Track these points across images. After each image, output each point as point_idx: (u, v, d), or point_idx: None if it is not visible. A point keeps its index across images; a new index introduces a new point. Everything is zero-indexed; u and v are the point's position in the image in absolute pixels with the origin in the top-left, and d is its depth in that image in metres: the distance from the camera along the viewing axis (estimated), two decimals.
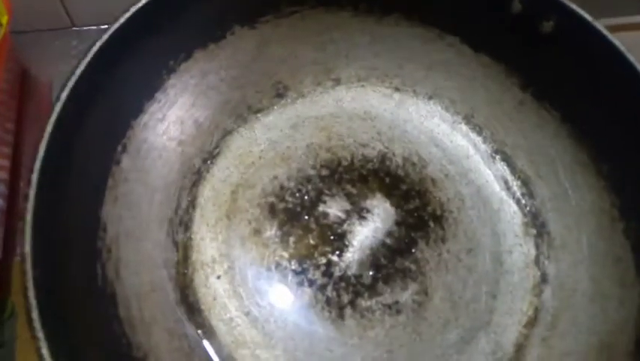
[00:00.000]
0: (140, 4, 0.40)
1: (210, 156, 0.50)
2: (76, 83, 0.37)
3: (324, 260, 0.46)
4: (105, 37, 0.39)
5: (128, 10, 0.40)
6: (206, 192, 0.48)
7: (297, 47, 0.53)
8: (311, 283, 0.45)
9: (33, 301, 0.28)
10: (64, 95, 0.36)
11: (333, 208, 0.49)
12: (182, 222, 0.46)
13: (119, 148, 0.42)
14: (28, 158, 0.74)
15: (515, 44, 0.50)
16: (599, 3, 0.48)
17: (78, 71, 0.37)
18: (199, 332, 0.42)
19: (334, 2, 0.52)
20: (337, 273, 0.46)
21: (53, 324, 0.29)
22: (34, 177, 0.32)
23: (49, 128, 0.34)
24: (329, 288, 0.45)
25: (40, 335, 0.27)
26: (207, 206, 0.48)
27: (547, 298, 0.45)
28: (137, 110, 0.44)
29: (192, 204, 0.47)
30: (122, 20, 0.40)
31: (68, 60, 0.84)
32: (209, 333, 0.42)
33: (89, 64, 0.38)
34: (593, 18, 0.45)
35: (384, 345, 0.44)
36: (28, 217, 0.31)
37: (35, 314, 0.28)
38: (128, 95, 0.43)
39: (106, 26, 1.01)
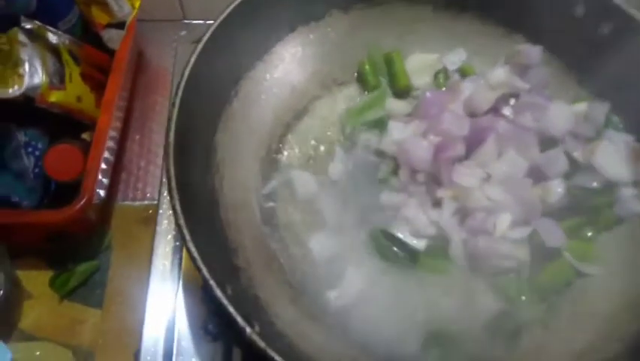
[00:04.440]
0: None
1: (299, 115, 0.59)
2: (211, 36, 0.48)
3: None
4: (233, 5, 0.50)
5: None
6: (292, 142, 0.58)
7: (381, 34, 0.62)
8: None
9: (175, 194, 0.38)
10: (200, 45, 0.47)
11: None
12: (271, 162, 0.56)
13: (232, 92, 0.53)
14: (136, 124, 0.87)
15: (576, 44, 0.57)
16: None
17: (212, 28, 0.48)
18: (276, 246, 0.51)
19: None
20: None
21: (183, 209, 0.39)
22: (177, 101, 0.43)
23: (187, 70, 0.45)
24: None
25: (177, 208, 0.37)
26: (292, 153, 0.57)
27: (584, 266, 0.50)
28: (249, 66, 0.55)
29: (281, 149, 0.57)
30: None
31: (178, 47, 0.98)
32: (285, 249, 0.51)
33: (221, 23, 0.49)
34: None
35: None
36: (171, 135, 0.42)
37: (174, 191, 0.38)
38: (244, 53, 0.54)
39: (212, 21, 1.18)
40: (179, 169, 0.40)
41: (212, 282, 0.34)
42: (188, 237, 0.36)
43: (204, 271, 0.34)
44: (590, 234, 0.51)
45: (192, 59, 0.44)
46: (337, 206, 0.53)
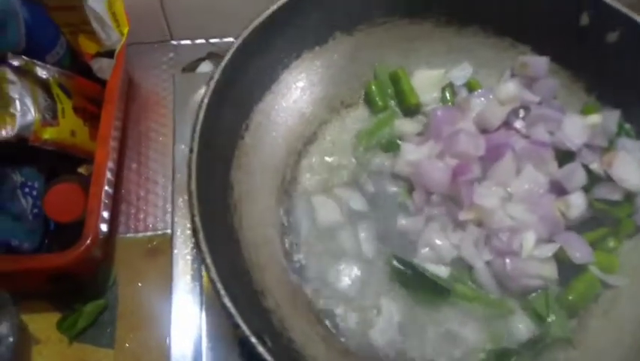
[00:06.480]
0: (268, 12, 0.50)
1: (309, 141, 0.59)
2: (221, 73, 0.46)
3: None
4: (240, 39, 0.49)
5: (258, 16, 0.50)
6: (305, 170, 0.57)
7: (385, 53, 0.62)
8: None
9: (204, 246, 0.37)
10: (212, 85, 0.45)
11: None
12: (286, 193, 0.55)
13: (244, 127, 0.52)
14: (132, 152, 0.85)
15: (582, 53, 0.57)
16: None
17: (221, 65, 0.47)
18: (299, 280, 0.50)
19: (418, 15, 0.61)
20: None
21: (213, 260, 0.38)
22: (195, 147, 0.41)
23: (202, 112, 0.44)
24: None
25: (209, 260, 0.36)
26: (306, 181, 0.56)
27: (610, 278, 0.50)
28: (258, 98, 0.54)
29: (294, 178, 0.56)
30: (253, 25, 0.50)
31: (166, 69, 0.96)
32: (311, 285, 0.50)
33: (229, 60, 0.48)
34: None
35: None
36: (193, 184, 0.40)
37: (203, 243, 0.37)
38: (253, 85, 0.53)
39: (200, 41, 1.14)
40: (203, 217, 0.39)
41: (253, 339, 0.33)
42: (223, 292, 0.35)
43: (244, 327, 0.33)
44: (612, 244, 0.51)
45: (205, 100, 0.43)
46: (361, 233, 0.52)
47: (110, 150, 0.71)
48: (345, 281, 0.50)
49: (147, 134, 0.89)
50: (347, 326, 0.47)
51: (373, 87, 0.61)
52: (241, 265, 0.45)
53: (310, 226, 0.53)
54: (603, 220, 0.51)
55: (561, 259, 0.49)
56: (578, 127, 0.51)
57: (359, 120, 0.61)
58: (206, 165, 0.43)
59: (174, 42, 1.00)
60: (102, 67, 0.76)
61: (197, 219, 0.38)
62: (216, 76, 0.45)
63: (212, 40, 1.00)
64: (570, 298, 0.48)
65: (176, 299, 0.55)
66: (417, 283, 0.48)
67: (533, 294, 0.49)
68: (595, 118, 0.52)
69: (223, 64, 0.46)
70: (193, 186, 0.39)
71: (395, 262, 0.49)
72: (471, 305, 0.48)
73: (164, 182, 0.82)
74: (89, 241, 0.61)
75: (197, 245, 0.37)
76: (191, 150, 0.41)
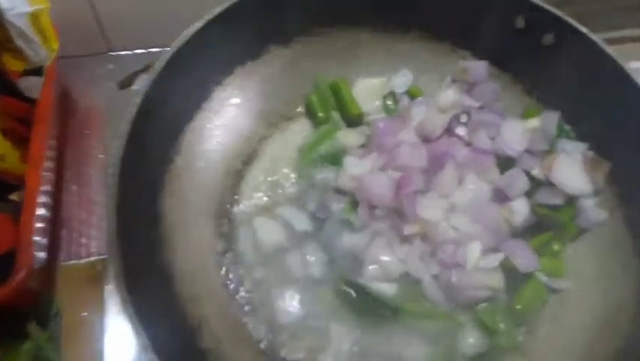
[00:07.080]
0: (195, 28, 0.47)
1: (249, 159, 0.56)
2: (145, 96, 0.43)
3: None
4: (167, 55, 0.46)
5: (185, 33, 0.47)
6: (245, 190, 0.54)
7: (324, 64, 0.59)
8: None
9: (126, 295, 0.34)
10: (134, 109, 0.42)
11: None
12: (225, 217, 0.52)
13: (172, 149, 0.49)
14: (71, 173, 0.80)
15: (521, 55, 0.56)
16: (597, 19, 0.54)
17: (145, 88, 0.44)
18: (241, 311, 0.47)
19: (356, 23, 0.59)
20: None
21: (136, 310, 0.34)
22: (115, 171, 0.38)
23: (125, 130, 0.41)
24: None
25: (131, 311, 0.33)
26: (246, 202, 0.54)
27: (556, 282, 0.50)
28: (188, 118, 0.51)
29: (234, 200, 0.54)
30: (179, 42, 0.47)
31: (105, 83, 0.91)
32: (255, 314, 0.48)
33: (154, 80, 0.45)
34: (589, 30, 0.51)
35: None
36: (112, 203, 0.37)
37: (123, 291, 0.34)
38: (182, 104, 0.50)
39: (140, 51, 1.08)
40: (126, 257, 0.36)
41: None
42: (147, 342, 0.32)
43: None
44: (556, 248, 0.51)
45: (127, 128, 0.40)
46: (306, 255, 0.50)
47: (44, 172, 0.67)
48: (291, 308, 0.47)
49: (88, 152, 0.84)
50: (295, 357, 0.45)
51: (314, 99, 0.59)
52: (174, 302, 0.42)
53: (252, 250, 0.51)
54: (547, 225, 0.51)
55: (508, 268, 0.48)
56: (517, 133, 0.51)
57: (300, 134, 0.58)
58: (131, 196, 0.41)
59: (112, 53, 0.95)
60: (31, 85, 0.71)
61: (116, 266, 0.35)
62: (139, 100, 0.42)
63: (152, 50, 0.95)
64: (518, 307, 0.48)
65: (109, 337, 0.52)
66: (365, 305, 0.46)
67: (482, 305, 0.48)
68: (534, 122, 0.51)
69: (146, 88, 0.43)
70: (113, 227, 0.36)
71: (344, 286, 0.47)
72: (420, 323, 0.46)
73: None
74: (23, 274, 0.57)
75: (120, 293, 0.34)
76: (109, 186, 0.38)
